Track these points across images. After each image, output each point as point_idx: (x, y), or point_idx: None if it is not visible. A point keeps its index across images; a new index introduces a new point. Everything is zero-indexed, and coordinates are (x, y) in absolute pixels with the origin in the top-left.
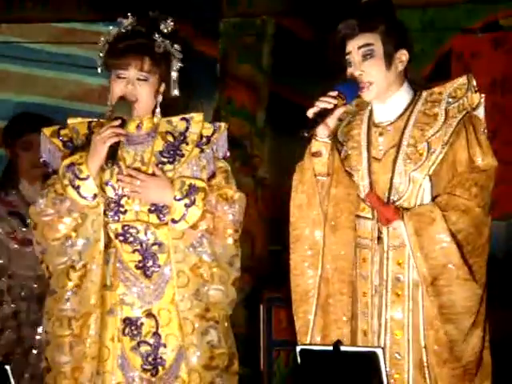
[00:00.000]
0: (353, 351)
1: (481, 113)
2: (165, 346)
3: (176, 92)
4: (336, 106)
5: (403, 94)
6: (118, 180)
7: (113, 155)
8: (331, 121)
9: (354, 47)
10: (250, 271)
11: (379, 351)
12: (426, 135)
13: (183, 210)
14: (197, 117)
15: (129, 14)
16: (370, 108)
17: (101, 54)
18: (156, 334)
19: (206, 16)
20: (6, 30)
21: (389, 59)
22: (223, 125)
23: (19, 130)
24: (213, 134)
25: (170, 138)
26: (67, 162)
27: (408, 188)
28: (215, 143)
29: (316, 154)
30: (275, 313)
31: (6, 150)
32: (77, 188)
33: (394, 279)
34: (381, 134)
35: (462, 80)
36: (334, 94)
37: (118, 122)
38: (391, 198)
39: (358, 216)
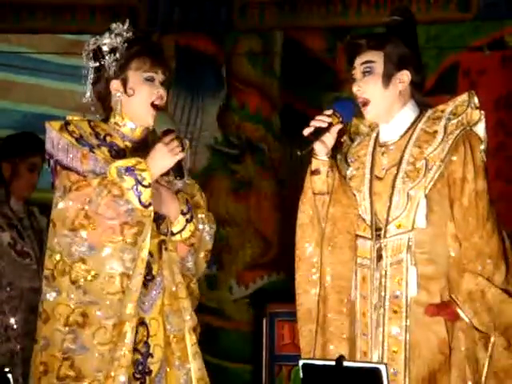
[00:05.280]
0: (355, 367)
1: (481, 129)
2: (152, 355)
3: None
4: (331, 125)
5: (407, 113)
6: None
7: (180, 169)
8: (328, 139)
9: (358, 63)
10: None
11: (383, 367)
12: (424, 153)
13: (183, 224)
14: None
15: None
16: (378, 128)
17: (111, 56)
18: (146, 343)
19: (217, 29)
20: (14, 40)
21: (387, 78)
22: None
23: (23, 150)
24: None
25: None
26: (121, 164)
27: (406, 206)
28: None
29: (315, 172)
30: (278, 327)
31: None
32: (138, 194)
33: (392, 296)
34: (384, 154)
35: (464, 97)
36: (329, 112)
37: (175, 135)
38: (390, 215)
39: (358, 236)
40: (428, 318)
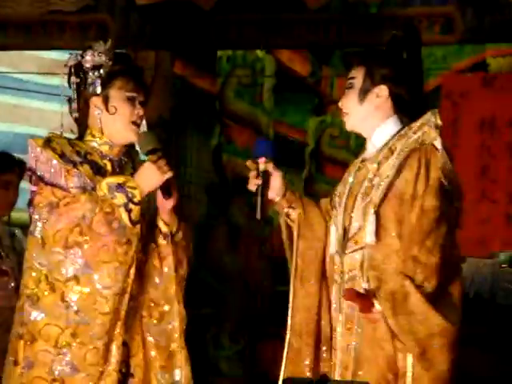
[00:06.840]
0: None
1: (437, 147)
2: (133, 375)
3: None
4: (259, 172)
5: (386, 129)
6: None
7: (168, 188)
8: (273, 182)
9: (347, 79)
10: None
11: None
12: (380, 169)
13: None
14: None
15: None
16: None
17: (94, 72)
18: (127, 364)
19: (198, 49)
20: None
21: (362, 93)
22: None
23: None
24: None
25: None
26: (112, 180)
27: (362, 221)
28: None
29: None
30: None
31: None
32: (129, 212)
33: (347, 313)
34: (360, 169)
35: (427, 116)
36: (250, 165)
37: (161, 154)
38: (350, 231)
39: (336, 252)
40: (378, 335)
